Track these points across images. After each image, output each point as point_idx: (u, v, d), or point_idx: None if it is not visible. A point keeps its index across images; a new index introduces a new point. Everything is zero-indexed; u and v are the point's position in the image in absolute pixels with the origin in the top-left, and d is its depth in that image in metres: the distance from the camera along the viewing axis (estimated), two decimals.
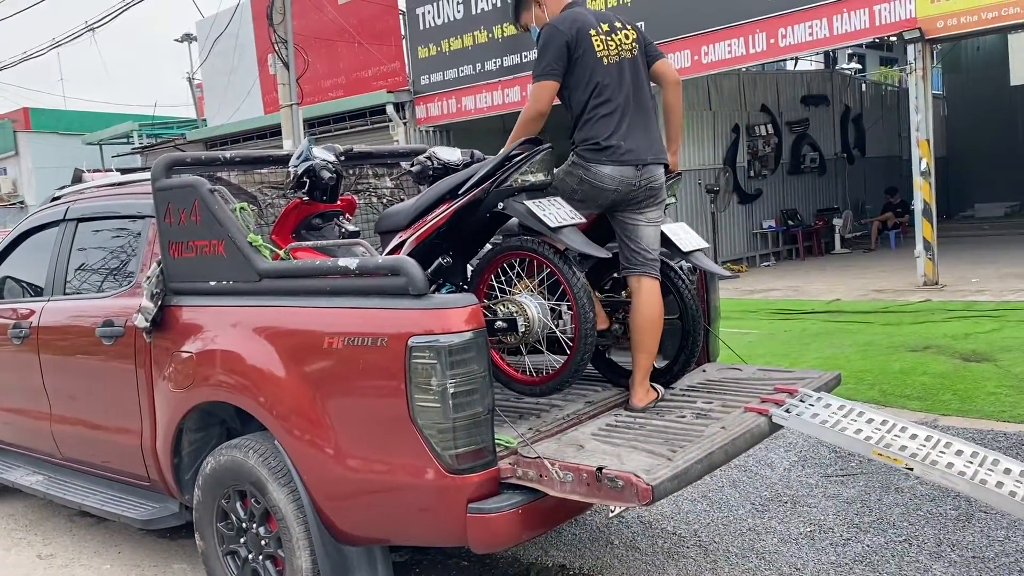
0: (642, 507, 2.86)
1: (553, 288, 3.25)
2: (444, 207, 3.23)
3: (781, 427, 3.16)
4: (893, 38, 11.38)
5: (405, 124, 16.44)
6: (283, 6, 13.10)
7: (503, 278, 3.33)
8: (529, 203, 3.11)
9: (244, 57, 18.99)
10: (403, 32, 16.48)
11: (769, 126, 16.34)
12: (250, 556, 3.39)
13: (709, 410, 3.21)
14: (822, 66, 20.27)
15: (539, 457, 2.75)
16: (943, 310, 8.97)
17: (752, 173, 16.04)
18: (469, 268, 3.59)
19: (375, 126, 16.77)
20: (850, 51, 22.76)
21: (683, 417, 3.15)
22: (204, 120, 22.57)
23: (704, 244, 3.66)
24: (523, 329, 3.13)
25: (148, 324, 3.60)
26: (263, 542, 3.33)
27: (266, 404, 3.18)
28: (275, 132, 16.60)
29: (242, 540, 3.42)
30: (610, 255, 3.38)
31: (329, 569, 3.11)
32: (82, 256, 4.36)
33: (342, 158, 3.84)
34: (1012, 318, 8.24)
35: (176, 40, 29.78)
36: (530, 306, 3.15)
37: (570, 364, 3.18)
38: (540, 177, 3.18)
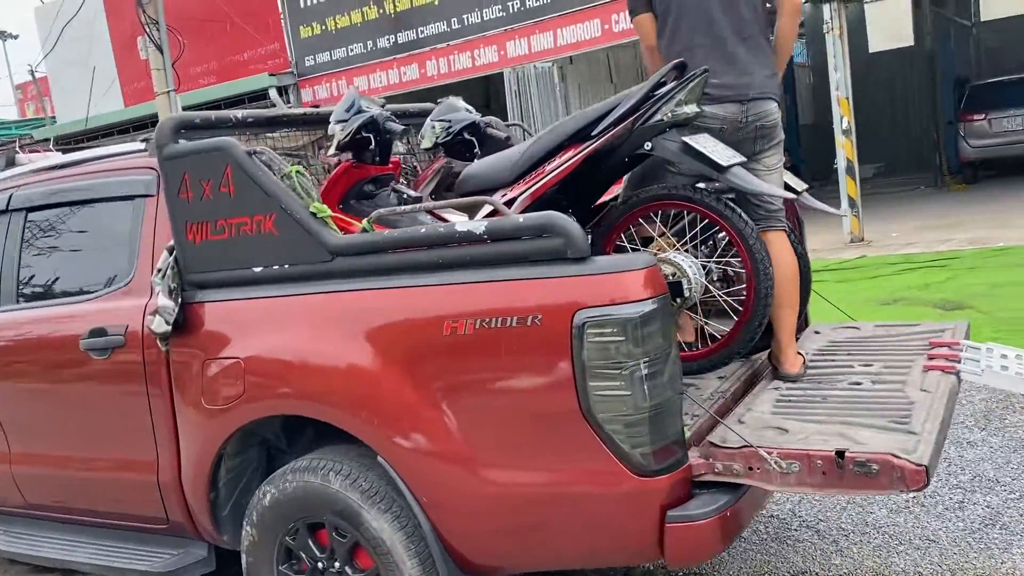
0: (904, 495, 2.35)
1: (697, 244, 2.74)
2: (571, 152, 2.65)
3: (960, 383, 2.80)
4: None
5: (290, 108, 15.38)
6: None
7: (624, 236, 2.79)
8: (688, 139, 2.57)
9: (98, 45, 17.28)
10: (281, 11, 15.38)
11: None
12: None
13: (879, 374, 2.80)
14: None
15: (748, 446, 2.26)
16: (886, 264, 9.05)
17: None
18: None
19: None
20: None
21: (859, 384, 2.72)
22: (53, 118, 20.49)
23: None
24: (687, 294, 2.60)
25: (169, 328, 2.85)
26: None
27: (363, 412, 2.54)
28: (139, 125, 15.26)
29: None
30: (804, 191, 2.91)
31: None
32: (40, 254, 3.49)
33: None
34: (958, 266, 8.37)
35: None
36: (688, 267, 2.62)
37: (741, 330, 2.68)
38: (693, 108, 2.65)
